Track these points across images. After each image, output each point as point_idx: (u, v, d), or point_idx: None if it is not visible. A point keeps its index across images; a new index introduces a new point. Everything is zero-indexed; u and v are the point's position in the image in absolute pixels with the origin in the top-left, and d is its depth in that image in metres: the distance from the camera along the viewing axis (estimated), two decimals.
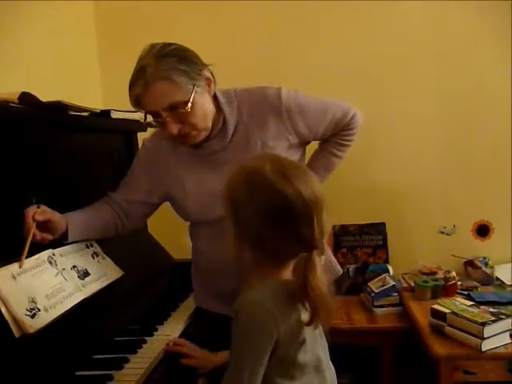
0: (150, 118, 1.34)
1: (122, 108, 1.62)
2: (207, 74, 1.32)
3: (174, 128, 1.30)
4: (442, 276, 2.16)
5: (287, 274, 1.00)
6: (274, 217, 0.93)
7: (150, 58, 1.25)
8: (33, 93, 1.29)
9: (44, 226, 1.27)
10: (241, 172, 0.99)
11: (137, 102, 1.29)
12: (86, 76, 2.34)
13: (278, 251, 0.97)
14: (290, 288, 0.98)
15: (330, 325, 1.02)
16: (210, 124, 1.36)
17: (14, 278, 1.14)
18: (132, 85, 1.27)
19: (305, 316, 0.97)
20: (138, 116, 1.58)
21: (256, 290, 0.97)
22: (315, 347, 1.03)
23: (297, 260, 0.96)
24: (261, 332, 0.93)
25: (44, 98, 1.33)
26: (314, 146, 1.54)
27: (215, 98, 1.38)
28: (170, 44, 1.28)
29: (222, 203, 1.01)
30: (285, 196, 0.91)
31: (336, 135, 1.48)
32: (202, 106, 1.31)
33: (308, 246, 0.93)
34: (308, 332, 1.00)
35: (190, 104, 1.27)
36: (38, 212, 1.24)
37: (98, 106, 1.67)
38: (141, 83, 1.24)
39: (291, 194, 0.91)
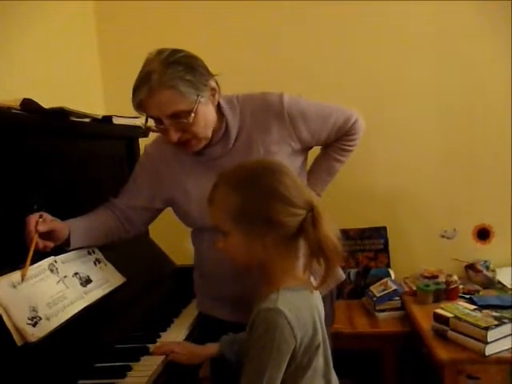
0: (150, 123, 1.33)
1: (124, 114, 1.62)
2: (213, 84, 1.31)
3: (175, 135, 1.29)
4: (444, 280, 2.15)
5: (298, 262, 1.03)
6: (277, 193, 1.00)
7: (157, 64, 1.23)
8: (34, 99, 1.28)
9: (46, 234, 1.26)
10: (229, 180, 1.06)
11: (139, 106, 1.28)
12: (87, 81, 2.33)
13: (288, 224, 0.99)
14: (303, 293, 1.01)
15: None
16: (210, 133, 1.35)
17: (14, 287, 1.13)
18: (136, 89, 1.26)
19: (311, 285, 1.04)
20: (140, 122, 1.57)
21: (272, 298, 0.98)
22: (326, 351, 1.04)
23: (305, 224, 0.99)
24: (280, 341, 0.95)
25: (46, 103, 1.32)
26: (316, 150, 1.54)
27: (218, 104, 1.38)
28: (179, 51, 1.27)
29: (218, 217, 1.05)
30: (277, 173, 1.02)
31: (338, 140, 1.48)
32: (204, 116, 1.30)
33: (309, 205, 1.00)
34: (321, 336, 1.02)
35: (192, 114, 1.26)
36: (40, 222, 1.23)
37: (99, 111, 1.66)
38: (145, 89, 1.23)
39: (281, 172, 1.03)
